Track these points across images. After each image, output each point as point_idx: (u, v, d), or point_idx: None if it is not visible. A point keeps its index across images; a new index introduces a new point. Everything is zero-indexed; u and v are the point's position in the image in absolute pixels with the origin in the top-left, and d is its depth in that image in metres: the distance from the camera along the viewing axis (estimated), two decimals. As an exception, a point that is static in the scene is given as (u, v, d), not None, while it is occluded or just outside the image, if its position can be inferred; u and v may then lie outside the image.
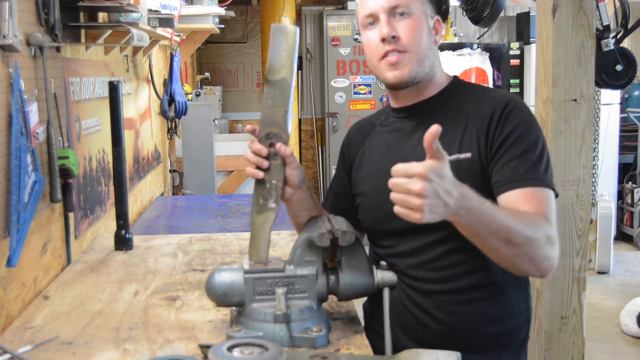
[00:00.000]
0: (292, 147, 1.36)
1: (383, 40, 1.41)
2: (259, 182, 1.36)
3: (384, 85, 1.52)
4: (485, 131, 1.38)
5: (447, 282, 1.41)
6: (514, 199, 1.30)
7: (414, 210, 1.08)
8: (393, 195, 1.10)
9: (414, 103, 1.49)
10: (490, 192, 1.35)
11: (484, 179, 1.37)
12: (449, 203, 1.10)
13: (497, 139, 1.36)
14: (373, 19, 1.43)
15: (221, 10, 3.73)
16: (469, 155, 1.38)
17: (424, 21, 1.44)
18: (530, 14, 6.18)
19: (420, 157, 1.41)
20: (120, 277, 1.81)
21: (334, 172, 1.71)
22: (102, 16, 2.34)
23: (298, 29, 1.38)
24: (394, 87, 1.47)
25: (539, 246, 1.23)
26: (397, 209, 1.10)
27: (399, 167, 1.10)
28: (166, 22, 2.74)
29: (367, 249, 1.48)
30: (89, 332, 1.41)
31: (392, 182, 1.10)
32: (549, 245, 1.25)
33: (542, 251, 1.24)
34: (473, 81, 5.81)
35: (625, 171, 6.11)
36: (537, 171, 1.33)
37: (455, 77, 1.53)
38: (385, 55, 1.42)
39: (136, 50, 3.15)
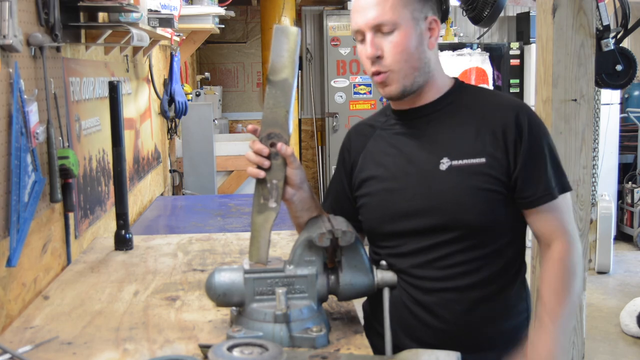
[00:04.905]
0: (292, 147, 1.36)
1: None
2: (260, 182, 1.36)
3: None
4: (503, 139, 1.39)
5: (451, 280, 1.41)
6: (543, 215, 1.43)
7: None
8: None
9: (417, 106, 1.49)
10: (506, 194, 1.40)
11: (499, 183, 1.39)
12: None
13: (520, 150, 1.39)
14: (361, 35, 1.43)
15: (221, 10, 3.73)
16: (482, 160, 1.39)
17: (413, 30, 1.39)
18: (530, 14, 6.18)
19: (425, 159, 1.42)
20: (120, 277, 1.81)
21: (334, 172, 1.70)
22: (102, 16, 2.34)
23: (300, 29, 1.38)
24: (389, 99, 1.49)
25: (578, 286, 1.43)
26: None
27: None
28: (166, 22, 2.74)
29: (366, 248, 1.48)
30: (89, 332, 1.41)
31: None
32: (573, 276, 1.42)
33: (579, 283, 1.44)
34: (473, 81, 5.83)
35: (625, 171, 6.11)
36: (558, 179, 1.43)
37: (457, 80, 1.53)
38: (373, 74, 1.43)
39: (136, 50, 3.15)
